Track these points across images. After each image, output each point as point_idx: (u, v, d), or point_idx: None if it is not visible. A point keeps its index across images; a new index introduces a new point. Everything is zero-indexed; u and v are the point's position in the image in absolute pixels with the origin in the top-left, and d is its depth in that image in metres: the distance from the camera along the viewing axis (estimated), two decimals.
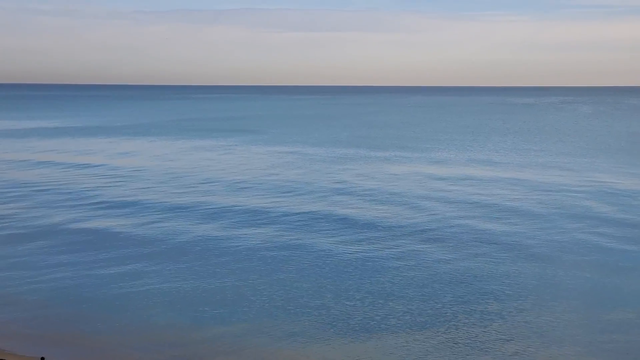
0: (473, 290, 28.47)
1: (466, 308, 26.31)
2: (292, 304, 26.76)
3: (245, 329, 24.42)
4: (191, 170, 63.92)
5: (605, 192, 50.46)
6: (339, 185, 53.63)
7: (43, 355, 20.97)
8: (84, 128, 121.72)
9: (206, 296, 27.79)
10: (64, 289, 28.61)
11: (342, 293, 28.08)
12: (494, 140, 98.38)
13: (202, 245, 35.61)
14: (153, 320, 25.20)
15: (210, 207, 45.62)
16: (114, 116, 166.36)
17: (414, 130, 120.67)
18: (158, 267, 31.77)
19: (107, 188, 53.59)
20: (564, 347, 22.70)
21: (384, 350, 22.61)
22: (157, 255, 33.79)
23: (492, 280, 29.74)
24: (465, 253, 34.01)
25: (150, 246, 35.38)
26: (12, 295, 27.99)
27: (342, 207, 45.18)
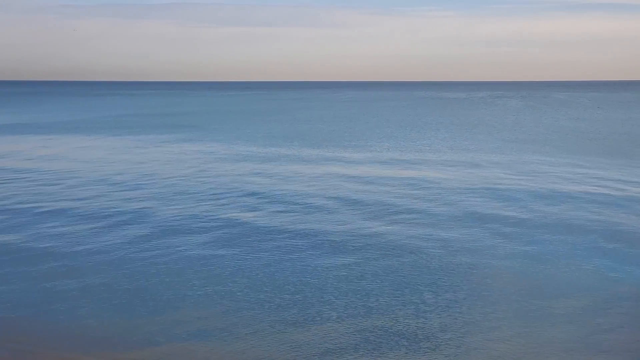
0: (407, 282, 28.78)
1: (401, 300, 26.61)
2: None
3: (179, 326, 24.08)
4: (94, 171, 60.64)
5: (530, 189, 51.44)
6: (264, 189, 52.52)
7: None
8: (7, 125, 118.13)
9: (136, 295, 27.24)
10: None
11: (279, 287, 27.98)
12: (427, 135, 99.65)
13: (113, 251, 34.25)
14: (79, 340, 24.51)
15: (113, 211, 42.69)
16: (43, 112, 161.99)
17: (346, 125, 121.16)
18: (77, 281, 31.02)
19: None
20: (500, 335, 23.15)
21: (319, 342, 22.58)
22: (71, 269, 32.61)
23: (426, 273, 30.14)
24: (398, 251, 34.37)
25: (55, 258, 33.57)
26: None
27: (266, 213, 44.93)
